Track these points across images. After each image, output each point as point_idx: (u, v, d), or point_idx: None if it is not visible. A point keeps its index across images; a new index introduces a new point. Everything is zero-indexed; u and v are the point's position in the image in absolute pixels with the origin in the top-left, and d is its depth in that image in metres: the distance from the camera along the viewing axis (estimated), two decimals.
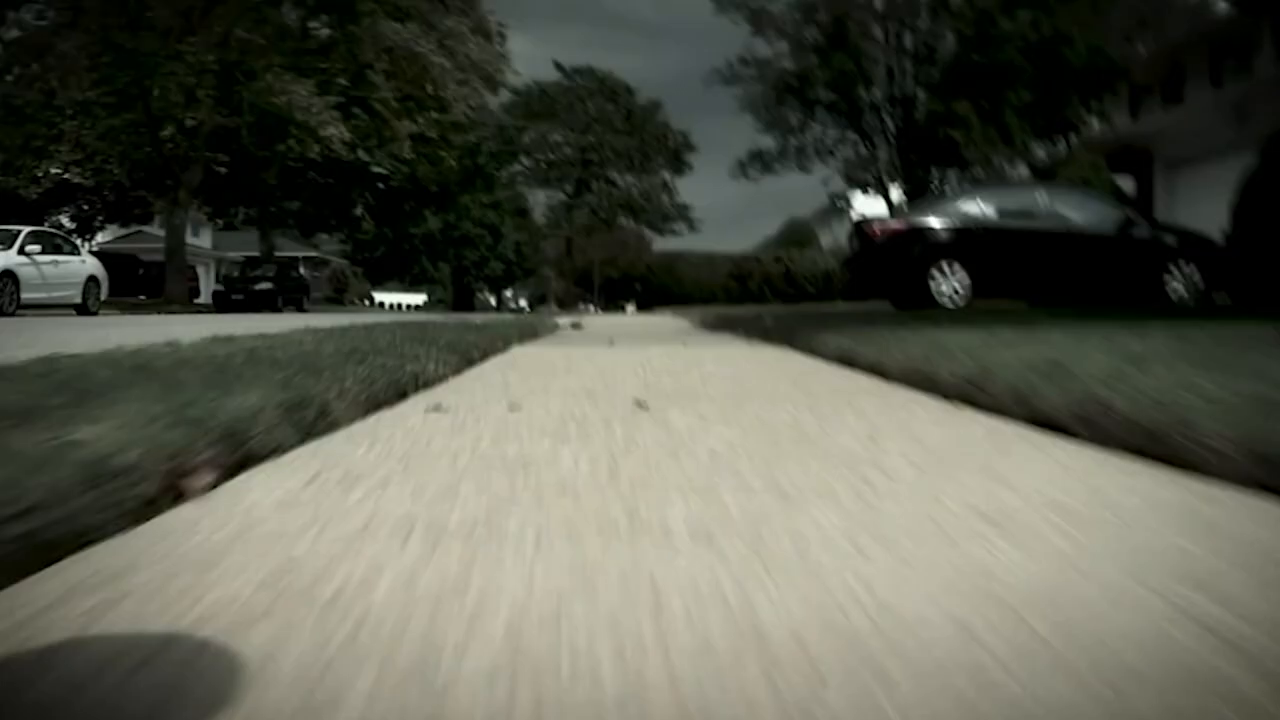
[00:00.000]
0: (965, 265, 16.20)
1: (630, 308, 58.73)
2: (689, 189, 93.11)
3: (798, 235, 59.94)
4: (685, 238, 70.03)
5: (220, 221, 59.00)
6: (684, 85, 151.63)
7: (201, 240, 66.94)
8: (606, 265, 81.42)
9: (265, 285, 39.58)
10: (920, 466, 2.07)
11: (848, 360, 5.03)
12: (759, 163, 39.27)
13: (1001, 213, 16.73)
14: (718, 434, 2.60)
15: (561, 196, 69.15)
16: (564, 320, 16.18)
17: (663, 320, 17.84)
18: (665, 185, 68.50)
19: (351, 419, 2.85)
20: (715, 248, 52.43)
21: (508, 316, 16.14)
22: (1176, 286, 16.33)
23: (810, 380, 4.22)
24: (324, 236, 72.56)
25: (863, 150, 37.07)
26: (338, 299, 74.84)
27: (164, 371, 3.26)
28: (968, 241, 16.34)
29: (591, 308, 71.62)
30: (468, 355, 5.19)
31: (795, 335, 7.15)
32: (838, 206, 47.62)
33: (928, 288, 16.13)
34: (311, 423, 2.56)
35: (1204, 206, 22.61)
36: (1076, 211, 16.87)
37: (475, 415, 3.04)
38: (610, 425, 2.81)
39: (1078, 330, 5.68)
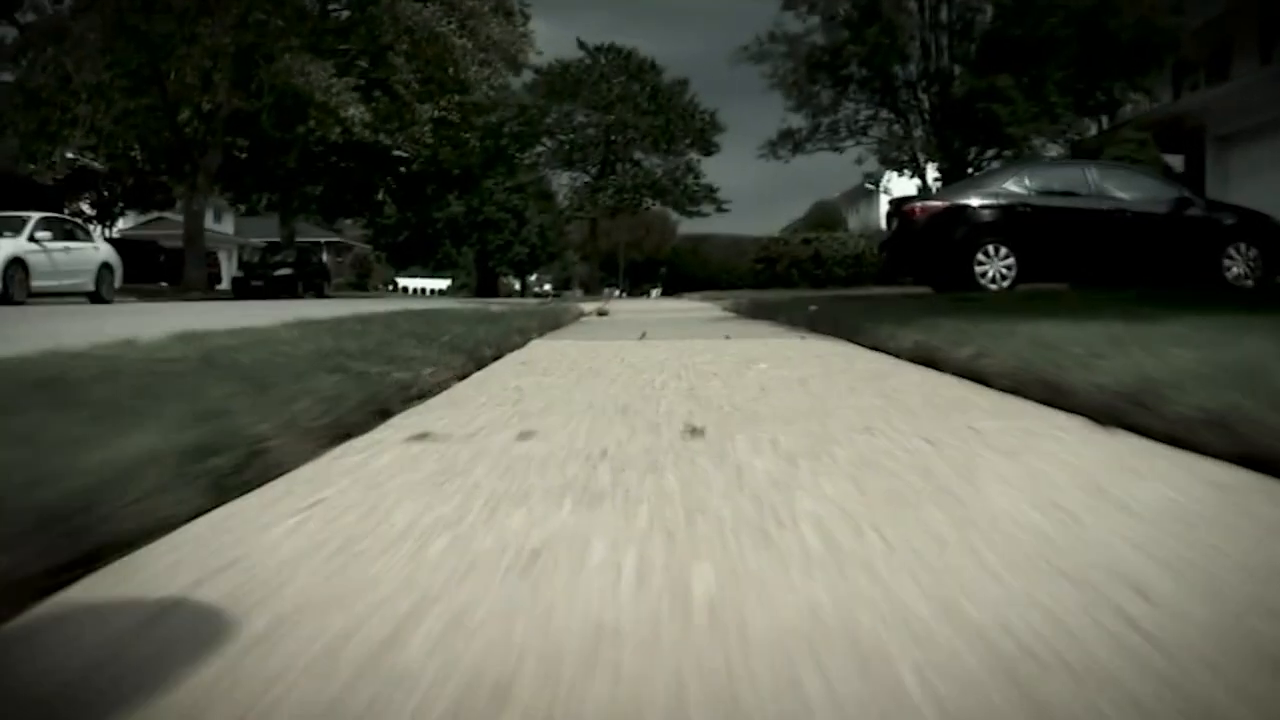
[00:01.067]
0: (1011, 246, 15.41)
1: (655, 292, 57.93)
2: (714, 172, 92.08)
3: (825, 218, 58.80)
4: (711, 220, 68.85)
5: (242, 207, 58.58)
6: (708, 68, 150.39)
7: (224, 226, 66.55)
8: (631, 248, 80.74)
9: (285, 271, 39.40)
10: (1179, 572, 1.26)
11: (927, 359, 4.22)
12: (789, 142, 37.99)
13: (1048, 191, 15.90)
14: (817, 488, 1.78)
15: (585, 178, 68.05)
16: (588, 307, 15.41)
17: (692, 306, 17.03)
18: (691, 166, 67.17)
19: (300, 459, 2.06)
20: (741, 231, 51.48)
21: (530, 303, 15.38)
22: (1235, 269, 15.52)
23: (895, 388, 3.39)
24: (347, 222, 72.12)
25: (897, 128, 35.85)
26: (360, 284, 74.38)
27: (74, 387, 2.47)
28: (1013, 221, 15.54)
29: (616, 292, 70.87)
30: (477, 353, 4.40)
31: (849, 325, 6.33)
32: (869, 187, 46.68)
33: (972, 271, 15.37)
34: (230, 473, 1.77)
35: (1261, 185, 21.67)
36: (1127, 190, 16.06)
37: (472, 448, 2.25)
38: (658, 470, 2.00)
39: (1188, 319, 4.85)
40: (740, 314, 11.52)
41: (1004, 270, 15.34)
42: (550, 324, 8.16)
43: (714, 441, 2.33)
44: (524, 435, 2.44)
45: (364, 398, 2.68)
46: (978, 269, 15.33)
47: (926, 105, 33.80)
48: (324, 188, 47.41)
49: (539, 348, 5.58)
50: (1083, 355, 3.17)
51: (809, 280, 33.67)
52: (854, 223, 54.24)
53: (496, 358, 4.68)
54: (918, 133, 34.50)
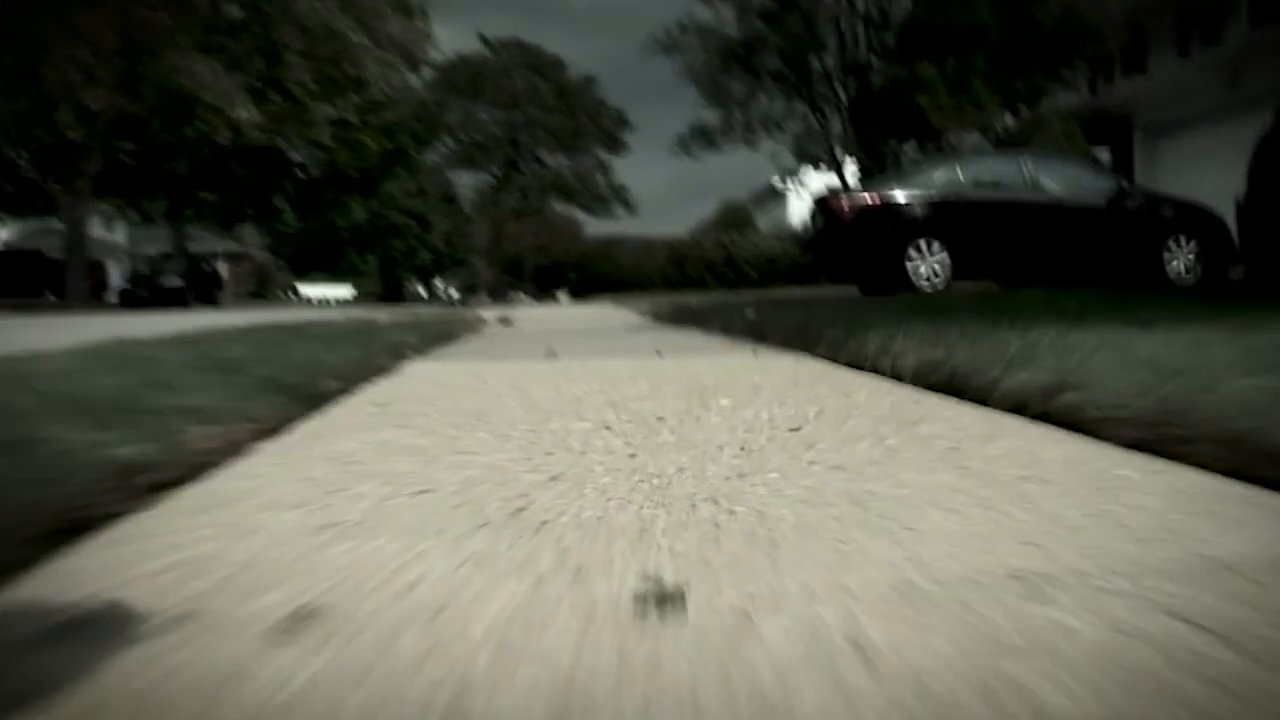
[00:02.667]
0: (945, 242, 14.45)
1: (564, 297, 56.36)
2: (624, 173, 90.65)
3: (733, 219, 57.96)
4: (620, 222, 67.32)
5: (135, 215, 56.13)
6: (619, 71, 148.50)
7: (117, 235, 63.76)
8: (538, 252, 79.14)
9: (174, 282, 38.09)
10: None
11: (951, 387, 2.98)
12: (702, 138, 36.67)
13: (982, 184, 14.99)
14: None
15: (489, 179, 65.98)
16: (491, 314, 14.06)
17: (605, 313, 15.65)
18: (600, 165, 65.32)
19: None
20: (651, 232, 50.25)
21: (426, 311, 13.97)
22: (1176, 264, 14.80)
23: (962, 449, 2.11)
24: (248, 229, 69.48)
25: (814, 123, 34.71)
26: (261, 293, 71.87)
27: None
28: (947, 216, 14.59)
29: (523, 297, 69.26)
30: (312, 390, 3.04)
31: (805, 334, 5.08)
32: (779, 188, 45.68)
33: (904, 269, 14.40)
34: None
35: (1190, 177, 21.01)
36: (1063, 182, 15.25)
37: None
38: None
39: (1233, 321, 3.70)
40: (663, 321, 10.21)
41: (937, 268, 14.37)
42: (440, 337, 6.79)
43: (715, 642, 1.03)
44: (293, 620, 1.11)
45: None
46: (910, 266, 14.35)
47: (844, 98, 32.64)
48: (219, 195, 45.29)
49: (415, 374, 4.21)
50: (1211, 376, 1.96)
51: (722, 282, 32.66)
52: (763, 223, 53.43)
53: (344, 393, 3.31)
54: (835, 127, 33.32)
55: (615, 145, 64.17)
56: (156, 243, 58.67)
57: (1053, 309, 5.67)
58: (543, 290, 73.96)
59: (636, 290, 35.69)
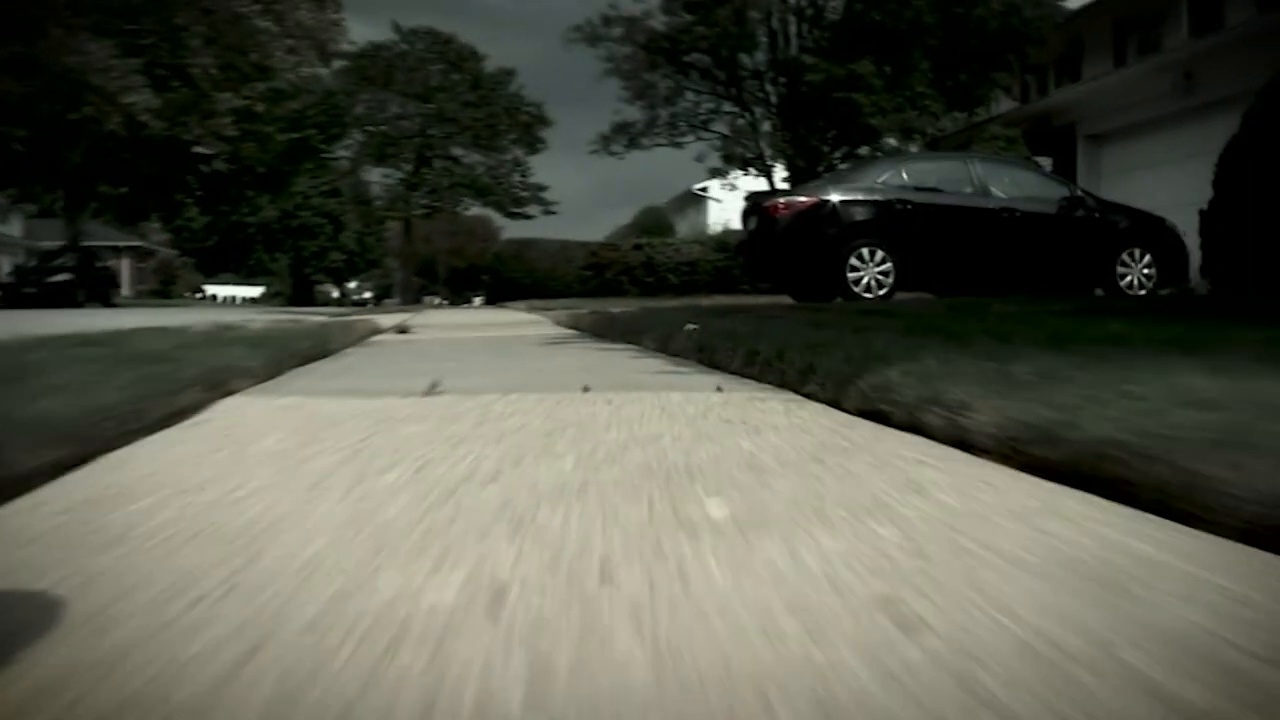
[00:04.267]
0: (888, 249, 13.44)
1: (478, 300, 54.57)
2: (541, 174, 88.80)
3: (653, 224, 56.57)
4: (537, 224, 64.84)
5: (31, 207, 53.46)
6: (534, 72, 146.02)
7: (9, 228, 60.62)
8: (452, 255, 77.36)
9: (63, 277, 36.04)
10: None
11: (1093, 472, 1.71)
12: (624, 136, 35.05)
13: (928, 188, 13.94)
14: None
15: (400, 175, 63.38)
16: (393, 319, 12.61)
17: (520, 319, 14.17)
18: (517, 164, 62.75)
19: None
20: (568, 235, 48.70)
21: (319, 316, 12.50)
22: (1130, 276, 13.99)
23: None
24: (154, 226, 66.50)
25: (742, 122, 33.12)
26: (164, 292, 69.06)
27: None
28: (891, 220, 13.58)
29: (437, 300, 67.30)
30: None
31: (791, 363, 3.75)
32: (699, 194, 44.50)
33: (844, 276, 13.34)
34: None
35: (1133, 186, 20.23)
36: (1013, 187, 14.39)
37: None
38: None
39: None
40: (586, 333, 8.85)
41: (879, 277, 13.32)
42: (306, 353, 5.37)
43: None
44: None
45: None
46: (851, 275, 13.26)
47: (775, 97, 31.08)
48: (120, 188, 42.85)
49: (220, 421, 2.83)
50: None
51: (642, 289, 31.46)
52: (683, 229, 52.22)
53: (76, 467, 1.91)
54: (765, 127, 31.87)
55: (533, 143, 61.92)
56: (57, 237, 56.02)
57: (1026, 324, 4.48)
58: (457, 294, 72.22)
59: (553, 295, 34.35)
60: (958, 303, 9.87)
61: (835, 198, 13.72)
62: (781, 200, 14.35)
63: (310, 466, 2.07)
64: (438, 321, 14.05)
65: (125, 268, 63.86)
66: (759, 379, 3.88)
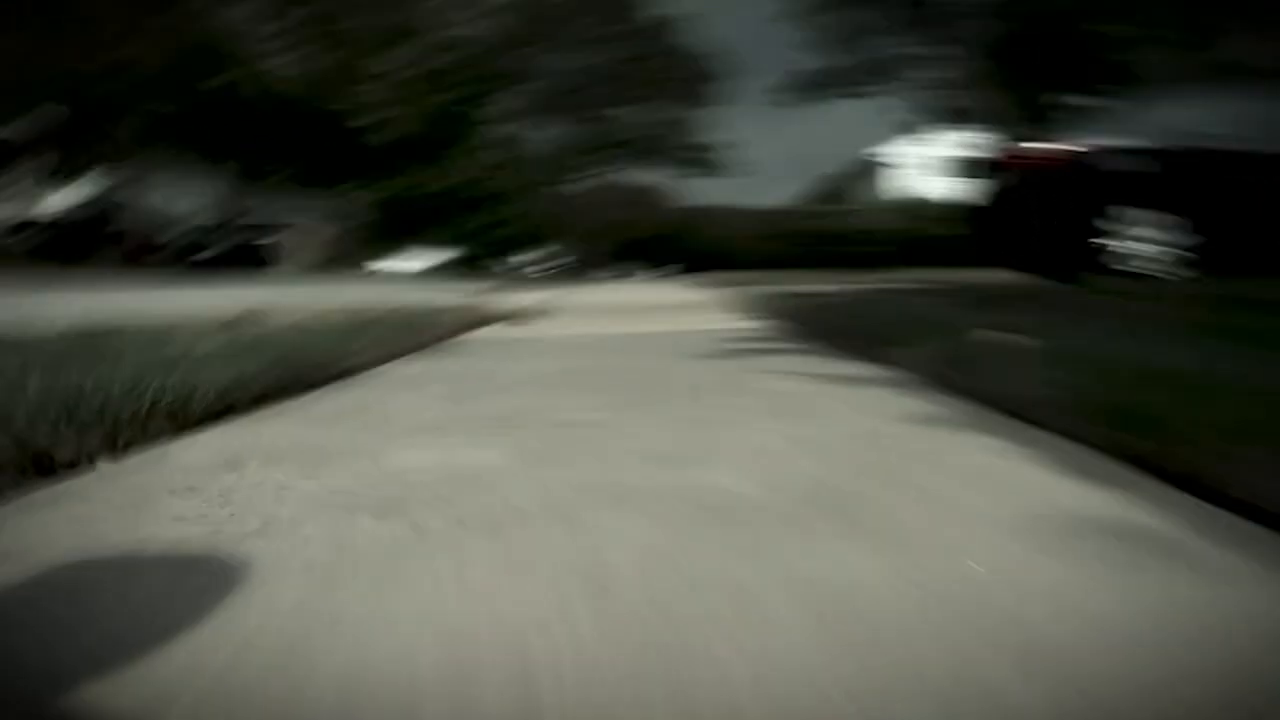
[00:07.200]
0: (1183, 215, 9.93)
1: (647, 273, 51.70)
2: (715, 133, 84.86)
3: (831, 190, 53.02)
4: (708, 192, 61.08)
5: (202, 177, 53.76)
6: (702, 23, 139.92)
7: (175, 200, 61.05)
8: (618, 226, 74.98)
9: (222, 248, 36.46)
10: None
11: None
12: (809, 86, 30.55)
13: (1233, 136, 10.25)
14: None
15: (556, 136, 59.88)
16: (525, 301, 9.88)
17: (689, 300, 11.22)
18: (681, 122, 57.75)
19: None
20: (743, 202, 45.43)
21: (428, 301, 9.76)
22: None
23: None
24: (324, 196, 66.27)
25: (947, 67, 28.11)
26: (336, 265, 68.88)
27: None
28: (1185, 178, 10.10)
29: (603, 272, 64.93)
30: None
31: None
32: (882, 157, 40.65)
33: (1118, 252, 10.01)
34: None
35: None
36: None
37: None
38: None
39: None
40: (780, 327, 5.78)
41: (1165, 251, 9.89)
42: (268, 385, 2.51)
43: None
44: None
45: None
46: (1127, 248, 9.91)
47: (990, 35, 25.75)
48: (285, 159, 42.03)
49: None
50: None
51: (834, 263, 28.24)
52: (860, 196, 48.52)
53: None
54: (974, 74, 26.86)
55: (701, 99, 56.79)
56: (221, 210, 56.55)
57: None
58: (626, 267, 69.87)
59: (729, 267, 31.49)
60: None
61: (1110, 150, 10.30)
62: (1031, 154, 11.02)
63: None
64: (583, 303, 11.18)
65: (295, 238, 63.60)
66: None
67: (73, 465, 2.03)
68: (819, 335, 4.85)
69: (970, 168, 12.05)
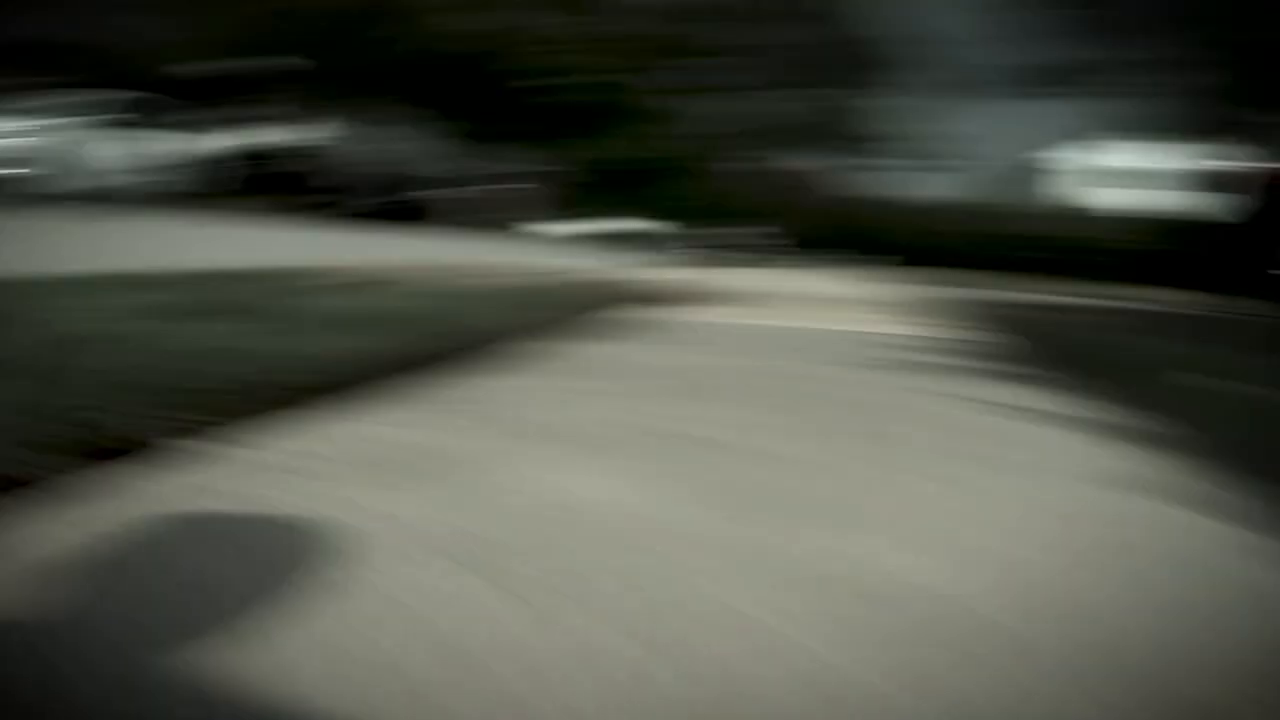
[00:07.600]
0: None
1: (830, 260, 50.33)
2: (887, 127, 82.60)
3: (1003, 185, 50.60)
4: (879, 177, 58.60)
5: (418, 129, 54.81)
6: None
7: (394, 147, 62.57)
8: (795, 211, 73.80)
9: (388, 200, 37.60)
10: None
11: None
12: (1048, 76, 28.19)
13: None
14: None
15: (722, 114, 58.45)
16: (678, 277, 9.39)
17: (868, 296, 10.54)
18: (848, 106, 55.23)
19: None
20: (908, 192, 43.64)
21: (567, 273, 9.45)
22: None
23: None
24: (514, 152, 66.76)
25: (1189, 76, 24.06)
26: (515, 221, 69.60)
27: None
28: None
29: (783, 257, 63.94)
30: None
31: None
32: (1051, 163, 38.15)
33: None
34: None
35: None
36: None
37: None
38: None
39: None
40: (980, 350, 5.08)
41: None
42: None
43: None
44: None
45: None
46: None
47: (1238, 45, 21.97)
48: (470, 115, 42.31)
49: None
50: None
51: (1028, 267, 26.81)
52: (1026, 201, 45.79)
53: None
54: (1218, 85, 22.58)
55: (869, 82, 54.53)
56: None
57: None
58: (809, 253, 68.73)
59: (908, 261, 30.53)
60: None
61: None
62: None
63: None
64: (738, 289, 10.47)
65: (490, 196, 64.36)
66: None
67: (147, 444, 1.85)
68: (1022, 368, 4.14)
69: (1210, 183, 10.98)
